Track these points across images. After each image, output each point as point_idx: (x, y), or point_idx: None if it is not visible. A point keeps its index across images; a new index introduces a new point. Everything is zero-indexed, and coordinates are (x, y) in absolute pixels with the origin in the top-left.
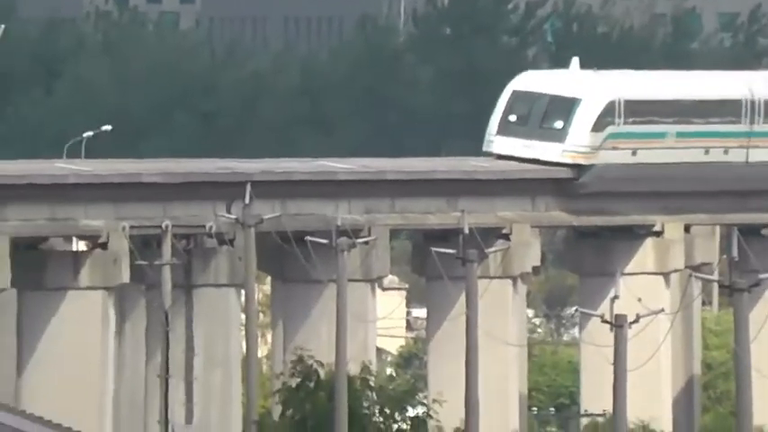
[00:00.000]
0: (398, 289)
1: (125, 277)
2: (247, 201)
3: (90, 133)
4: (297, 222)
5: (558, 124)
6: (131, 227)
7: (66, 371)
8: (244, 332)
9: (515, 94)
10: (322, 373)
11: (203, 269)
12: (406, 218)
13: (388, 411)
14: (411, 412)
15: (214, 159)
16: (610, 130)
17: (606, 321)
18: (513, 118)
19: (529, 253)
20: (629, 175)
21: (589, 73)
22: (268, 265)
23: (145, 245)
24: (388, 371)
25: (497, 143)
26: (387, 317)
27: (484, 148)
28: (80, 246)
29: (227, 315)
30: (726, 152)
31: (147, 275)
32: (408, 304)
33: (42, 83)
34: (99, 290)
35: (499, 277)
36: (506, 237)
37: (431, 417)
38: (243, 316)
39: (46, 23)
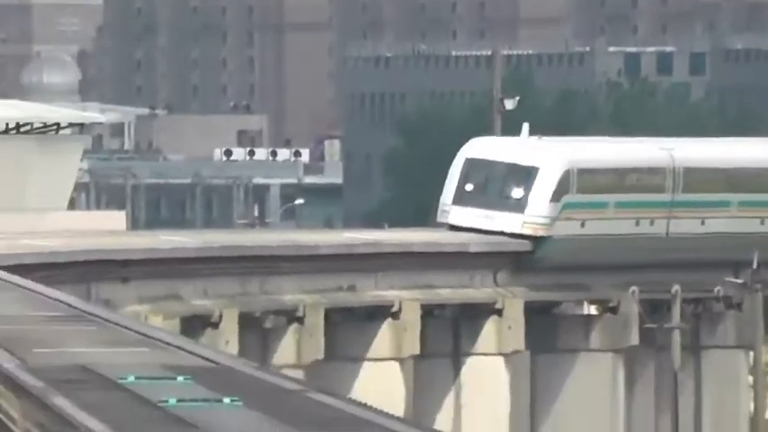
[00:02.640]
0: None
1: (634, 340)
2: (755, 266)
3: None
4: None
5: (518, 194)
6: (641, 291)
7: (577, 430)
8: (752, 393)
9: (469, 161)
10: None
11: (711, 332)
12: None
13: None
14: None
15: None
16: (565, 200)
17: None
18: (469, 187)
19: None
20: (581, 247)
21: (537, 140)
22: None
23: (654, 309)
24: None
25: (454, 213)
26: None
27: (438, 219)
28: (591, 310)
29: (736, 377)
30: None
31: (657, 338)
32: None
33: None
34: (608, 352)
35: None
36: None
37: None
38: (750, 378)
39: (560, 94)
